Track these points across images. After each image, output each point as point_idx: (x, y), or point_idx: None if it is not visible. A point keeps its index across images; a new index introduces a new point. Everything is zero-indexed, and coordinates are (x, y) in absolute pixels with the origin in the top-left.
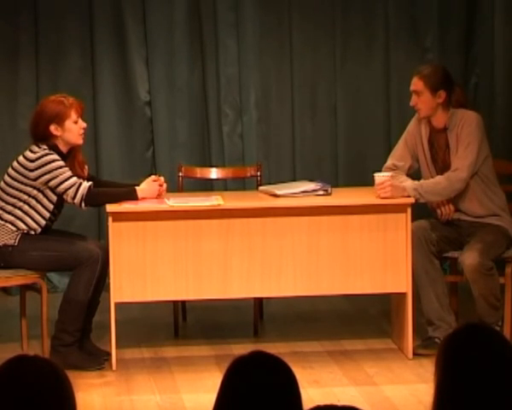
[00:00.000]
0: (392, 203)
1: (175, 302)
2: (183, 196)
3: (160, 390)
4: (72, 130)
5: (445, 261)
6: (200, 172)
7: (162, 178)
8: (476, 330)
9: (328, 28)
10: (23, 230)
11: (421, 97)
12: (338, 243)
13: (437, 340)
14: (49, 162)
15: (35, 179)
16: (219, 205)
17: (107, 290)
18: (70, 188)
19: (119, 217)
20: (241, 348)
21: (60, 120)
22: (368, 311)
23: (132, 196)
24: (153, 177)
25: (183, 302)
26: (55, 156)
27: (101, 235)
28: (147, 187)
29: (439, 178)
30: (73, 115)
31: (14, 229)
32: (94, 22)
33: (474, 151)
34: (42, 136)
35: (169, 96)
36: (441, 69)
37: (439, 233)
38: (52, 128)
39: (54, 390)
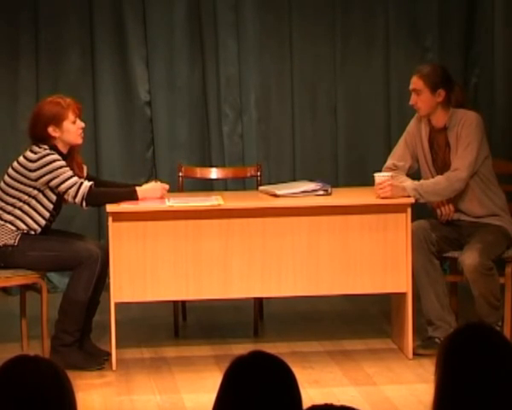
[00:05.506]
0: (392, 203)
1: (175, 302)
2: (183, 196)
3: (160, 390)
4: (71, 130)
5: (445, 261)
6: (200, 172)
7: (167, 186)
8: (476, 330)
9: (328, 28)
10: (23, 230)
11: (421, 96)
12: (338, 243)
13: (437, 340)
14: (51, 162)
15: (36, 180)
16: (219, 205)
17: (107, 290)
18: (71, 187)
19: (119, 217)
20: (241, 348)
21: (57, 121)
22: (368, 311)
23: (133, 196)
24: (153, 183)
25: (183, 302)
26: (56, 156)
27: (101, 235)
28: (149, 188)
29: (438, 178)
30: (71, 116)
31: (13, 229)
32: (94, 22)
33: (473, 151)
34: (40, 137)
35: (169, 96)
36: (441, 68)
37: (439, 233)
38: (50, 130)
39: (54, 390)
